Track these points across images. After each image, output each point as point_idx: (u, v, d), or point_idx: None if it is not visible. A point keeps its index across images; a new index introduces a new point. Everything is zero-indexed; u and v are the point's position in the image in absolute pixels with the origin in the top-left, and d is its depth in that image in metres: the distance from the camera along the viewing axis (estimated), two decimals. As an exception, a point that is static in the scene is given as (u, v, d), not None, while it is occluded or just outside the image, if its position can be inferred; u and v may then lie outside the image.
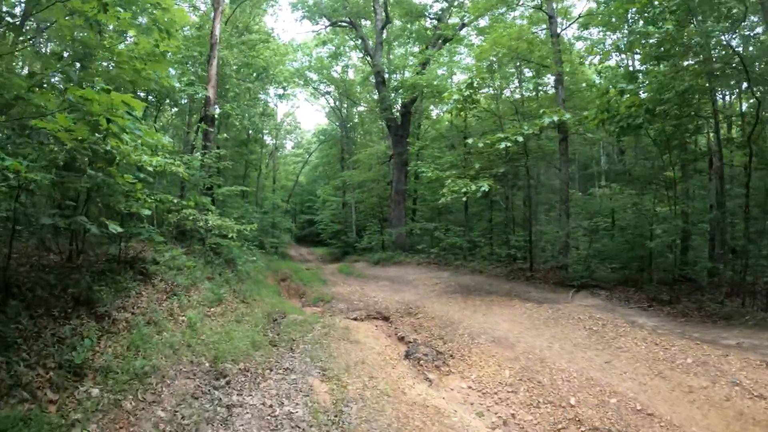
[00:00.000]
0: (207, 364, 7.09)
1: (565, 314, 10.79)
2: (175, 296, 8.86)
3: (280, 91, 32.38)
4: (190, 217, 11.56)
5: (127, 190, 7.22)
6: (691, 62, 11.51)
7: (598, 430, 6.21)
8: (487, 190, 12.50)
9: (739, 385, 6.75)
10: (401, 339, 10.90)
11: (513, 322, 10.77)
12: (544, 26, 18.63)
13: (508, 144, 12.36)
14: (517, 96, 20.81)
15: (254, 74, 23.63)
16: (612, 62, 19.51)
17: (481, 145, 13.20)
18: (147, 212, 7.90)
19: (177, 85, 15.06)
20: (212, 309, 9.59)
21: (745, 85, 12.26)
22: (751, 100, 12.85)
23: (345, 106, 38.02)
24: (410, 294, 14.85)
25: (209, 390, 6.40)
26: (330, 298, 15.10)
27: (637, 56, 16.87)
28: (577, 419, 6.48)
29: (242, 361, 7.65)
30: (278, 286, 18.16)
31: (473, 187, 12.48)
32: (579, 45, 21.56)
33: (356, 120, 38.86)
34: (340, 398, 6.60)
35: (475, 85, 14.04)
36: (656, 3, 10.99)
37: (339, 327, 10.66)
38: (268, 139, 37.12)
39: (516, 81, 20.65)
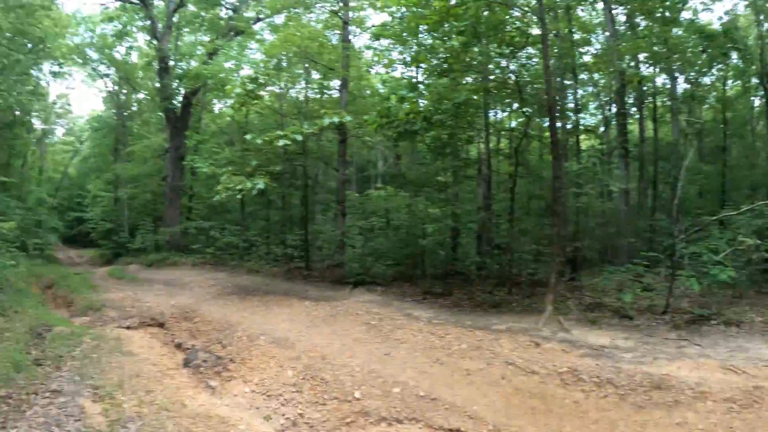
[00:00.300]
0: None
1: (343, 311, 11.01)
2: None
3: (56, 68, 28.78)
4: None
5: None
6: (470, 79, 12.52)
7: (385, 419, 6.35)
8: (262, 187, 12.38)
9: (512, 364, 7.39)
10: (179, 346, 10.32)
11: (292, 321, 10.73)
12: (338, 31, 18.87)
13: (287, 142, 12.30)
14: (302, 97, 20.85)
15: (29, 45, 20.70)
16: (397, 73, 20.52)
17: (259, 141, 12.97)
18: None
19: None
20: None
21: (515, 105, 13.57)
22: (521, 119, 14.27)
23: (124, 92, 34.91)
24: (186, 297, 14.17)
25: (-36, 429, 5.32)
26: (100, 306, 13.76)
27: (421, 69, 17.89)
28: (364, 411, 6.56)
29: (2, 387, 6.53)
30: (43, 294, 16.32)
31: (249, 185, 12.24)
32: (368, 54, 22.25)
33: (135, 108, 35.84)
34: (115, 419, 5.91)
35: (260, 80, 13.76)
36: (446, 24, 11.63)
37: (110, 338, 9.70)
38: (37, 123, 33.19)
39: (303, 82, 20.66)
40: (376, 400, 6.74)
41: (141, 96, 34.40)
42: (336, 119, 12.51)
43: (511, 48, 11.88)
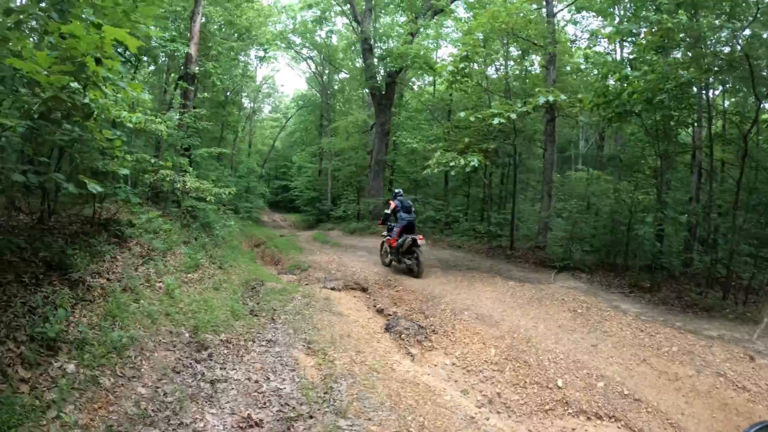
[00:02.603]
0: (187, 335, 6.67)
1: (549, 295, 10.68)
2: (151, 261, 8.36)
3: (261, 53, 31.49)
4: (168, 178, 11.05)
5: (104, 147, 6.72)
6: (690, 55, 11.34)
7: (585, 412, 6.15)
8: (477, 165, 12.31)
9: (723, 376, 6.76)
10: (380, 311, 10.67)
11: (496, 300, 10.59)
12: (535, 5, 18.27)
13: (502, 120, 12.05)
14: (501, 73, 20.46)
15: (236, 35, 22.84)
16: (599, 48, 19.46)
17: (473, 119, 12.90)
18: (125, 171, 7.41)
19: (154, 40, 14.34)
20: (189, 275, 9.16)
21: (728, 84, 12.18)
22: (733, 99, 12.70)
23: (326, 72, 37.26)
24: (388, 266, 14.57)
25: (191, 363, 5.98)
26: (307, 267, 14.72)
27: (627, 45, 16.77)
28: (564, 401, 6.39)
29: (223, 331, 7.25)
30: (253, 252, 17.87)
31: (462, 162, 12.25)
32: (570, 29, 21.34)
33: (336, 87, 38.14)
34: (328, 374, 6.27)
35: (469, 57, 13.66)
36: None
37: (320, 297, 10.39)
38: (246, 102, 36.48)
39: (501, 58, 20.28)
40: (578, 391, 6.53)
41: (342, 76, 36.48)
42: (550, 98, 12.11)
43: (736, 19, 10.54)
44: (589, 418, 6.09)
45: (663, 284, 11.80)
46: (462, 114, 13.82)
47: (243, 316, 8.35)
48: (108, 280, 6.85)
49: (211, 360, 6.28)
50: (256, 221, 28.40)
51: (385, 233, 14.17)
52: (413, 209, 13.76)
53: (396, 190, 14.31)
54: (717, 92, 16.13)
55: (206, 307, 7.84)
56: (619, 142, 18.70)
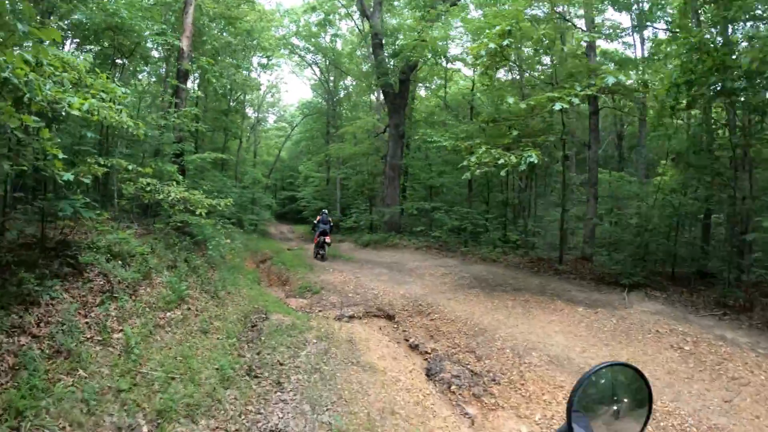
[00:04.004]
0: (145, 430, 4.21)
1: (635, 324, 8.37)
2: (112, 299, 6.01)
3: (264, 61, 30.31)
4: (148, 188, 8.88)
5: (20, 138, 4.45)
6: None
7: None
8: (534, 161, 9.77)
9: None
10: (414, 347, 8.53)
11: (569, 333, 8.30)
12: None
13: (564, 105, 9.58)
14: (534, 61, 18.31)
15: (237, 37, 21.23)
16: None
17: (523, 106, 10.48)
18: (67, 176, 5.17)
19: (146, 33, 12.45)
20: (167, 314, 6.78)
21: None
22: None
23: (332, 78, 35.56)
24: (416, 286, 12.25)
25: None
26: (319, 289, 12.54)
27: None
28: None
29: (204, 415, 4.71)
30: (257, 270, 15.76)
31: (514, 159, 9.78)
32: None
33: (343, 94, 36.46)
34: None
35: (512, 32, 11.05)
36: None
37: (341, 338, 7.98)
38: (251, 112, 35.34)
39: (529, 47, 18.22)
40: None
41: (348, 82, 35.18)
42: (621, 77, 9.75)
43: None
44: None
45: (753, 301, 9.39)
46: (510, 100, 11.40)
47: (236, 379, 5.86)
48: (33, 336, 4.54)
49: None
50: (263, 233, 27.03)
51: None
52: (329, 220, 19.39)
53: (323, 210, 20.20)
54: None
55: (183, 369, 5.42)
56: (642, 141, 17.49)
